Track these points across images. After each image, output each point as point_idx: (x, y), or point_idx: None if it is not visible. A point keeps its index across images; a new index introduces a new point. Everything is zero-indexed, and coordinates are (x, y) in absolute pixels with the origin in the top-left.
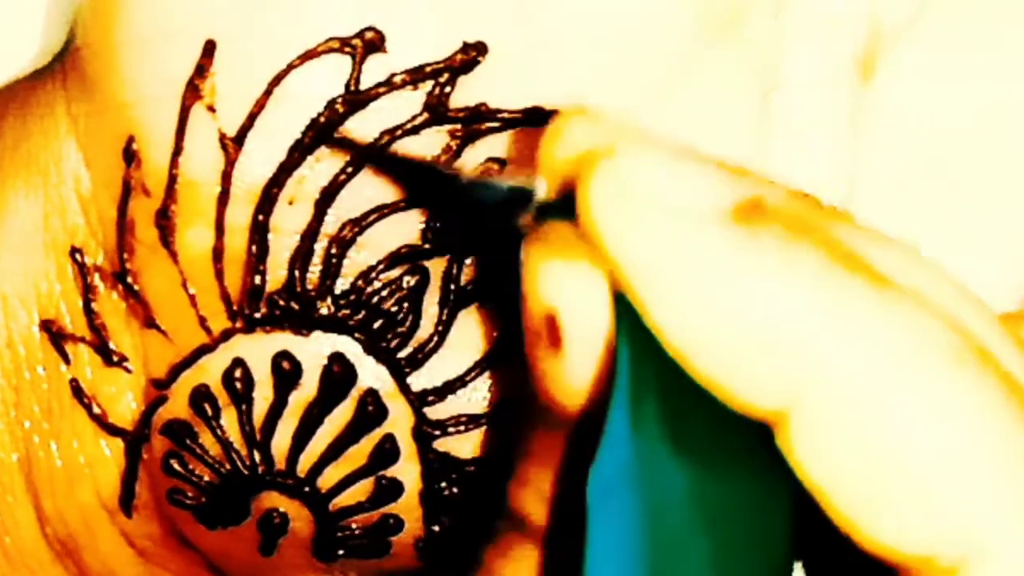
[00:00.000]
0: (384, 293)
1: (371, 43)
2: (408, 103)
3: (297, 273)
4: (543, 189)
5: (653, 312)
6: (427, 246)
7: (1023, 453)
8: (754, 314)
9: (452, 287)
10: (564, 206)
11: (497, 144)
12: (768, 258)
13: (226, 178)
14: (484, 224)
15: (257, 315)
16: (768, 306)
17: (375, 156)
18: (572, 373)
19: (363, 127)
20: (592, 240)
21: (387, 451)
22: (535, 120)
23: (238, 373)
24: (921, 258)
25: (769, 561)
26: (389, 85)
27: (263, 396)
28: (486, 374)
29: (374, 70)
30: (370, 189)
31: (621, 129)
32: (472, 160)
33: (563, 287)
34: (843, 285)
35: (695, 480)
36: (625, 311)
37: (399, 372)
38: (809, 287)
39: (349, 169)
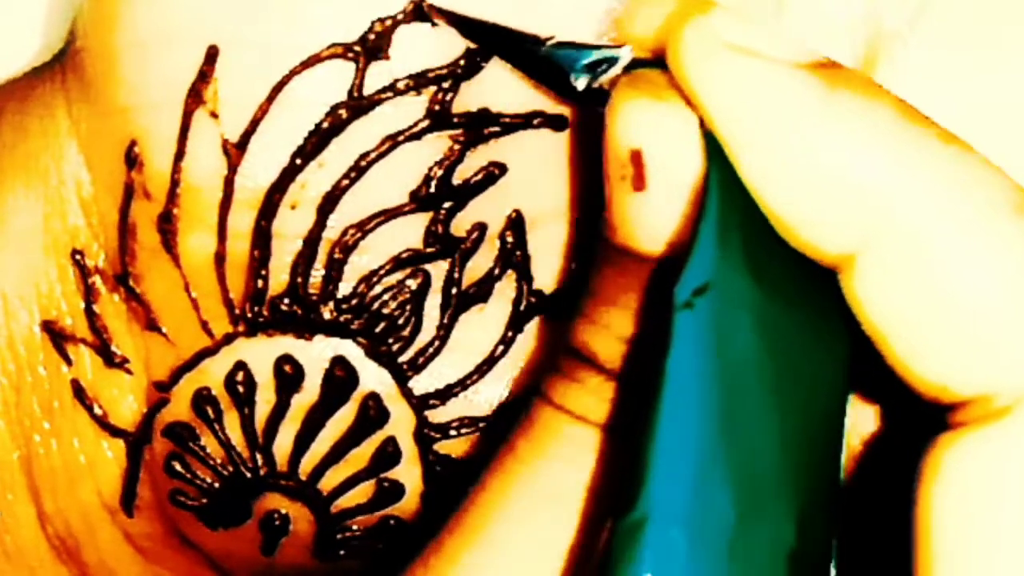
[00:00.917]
0: (386, 297)
1: (373, 49)
2: (411, 108)
3: (299, 277)
4: (629, 52)
5: (739, 151)
6: (429, 250)
7: None
8: (831, 159)
9: (454, 291)
10: (653, 66)
11: (499, 148)
12: (848, 107)
13: (228, 183)
14: (569, 86)
15: (259, 319)
16: (845, 153)
17: (458, 19)
18: (653, 212)
19: (366, 133)
20: (683, 84)
21: (388, 454)
22: (537, 124)
23: (240, 376)
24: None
25: (824, 394)
26: (392, 91)
27: (265, 399)
28: (487, 377)
29: (377, 76)
30: (372, 194)
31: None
32: (475, 165)
33: (652, 125)
34: (915, 138)
35: (768, 312)
36: (714, 151)
37: (401, 375)
38: (884, 137)
39: (352, 174)
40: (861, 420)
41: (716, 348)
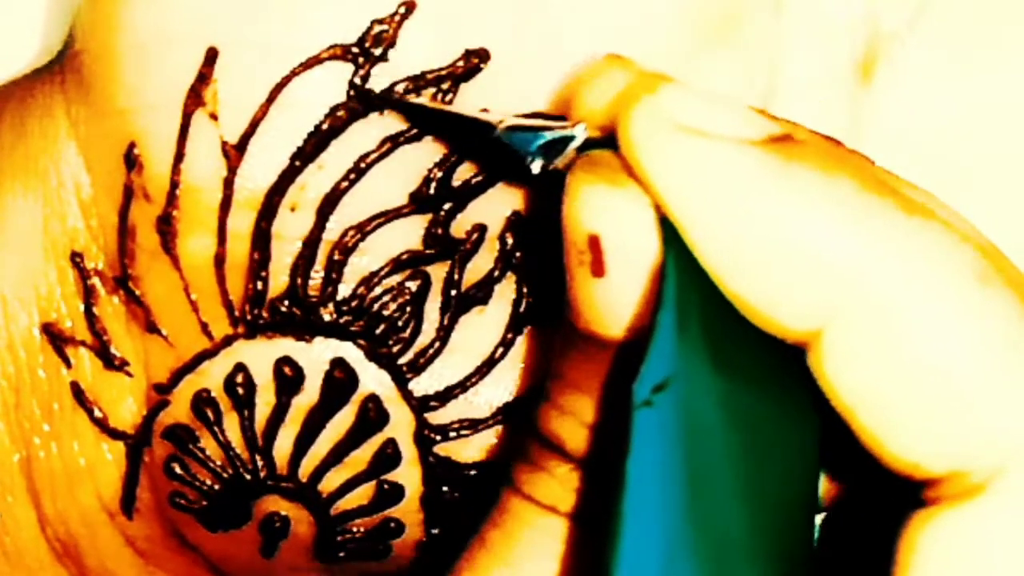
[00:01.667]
0: (386, 299)
1: (373, 50)
2: None
3: (299, 279)
4: (582, 132)
5: (694, 234)
6: (429, 251)
7: None
8: (789, 235)
9: (453, 292)
10: (604, 146)
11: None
12: (804, 181)
13: (228, 185)
14: (524, 170)
15: (259, 321)
16: (803, 228)
17: (408, 107)
18: (614, 297)
19: (365, 134)
20: (634, 168)
21: (388, 456)
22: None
23: (240, 378)
24: (935, 198)
25: (797, 482)
26: (391, 92)
27: (265, 401)
28: (487, 379)
29: (376, 77)
30: (372, 195)
31: (657, 73)
32: (474, 166)
33: (608, 210)
34: (876, 209)
35: (732, 398)
36: (670, 234)
37: (400, 377)
38: (844, 210)
39: (352, 175)
40: (833, 494)
41: (679, 441)
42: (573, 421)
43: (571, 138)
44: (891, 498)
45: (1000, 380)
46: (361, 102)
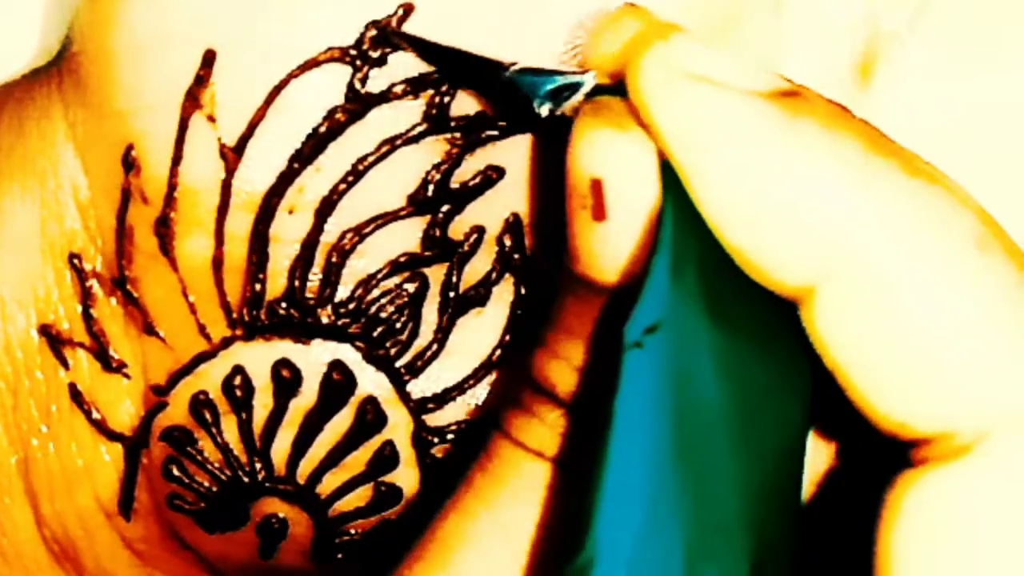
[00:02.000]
0: (384, 301)
1: (371, 52)
2: (408, 112)
3: (297, 281)
4: (592, 79)
5: (697, 183)
6: (427, 254)
7: None
8: (791, 191)
9: (451, 294)
10: (614, 93)
11: (496, 152)
12: (810, 137)
13: (226, 187)
14: (531, 113)
15: (257, 323)
16: (805, 183)
17: (421, 44)
18: (613, 242)
19: (363, 137)
20: (641, 113)
21: (386, 457)
22: (534, 127)
23: (238, 380)
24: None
25: (786, 435)
26: (389, 94)
27: (263, 403)
28: (485, 381)
29: (374, 79)
30: (370, 198)
31: (671, 23)
32: (472, 169)
33: (612, 154)
34: (879, 170)
35: (724, 348)
36: (672, 182)
37: (398, 379)
38: (847, 168)
39: (350, 178)
40: (822, 455)
41: (668, 387)
42: (566, 366)
43: (580, 84)
44: (881, 460)
45: (990, 344)
46: (377, 42)
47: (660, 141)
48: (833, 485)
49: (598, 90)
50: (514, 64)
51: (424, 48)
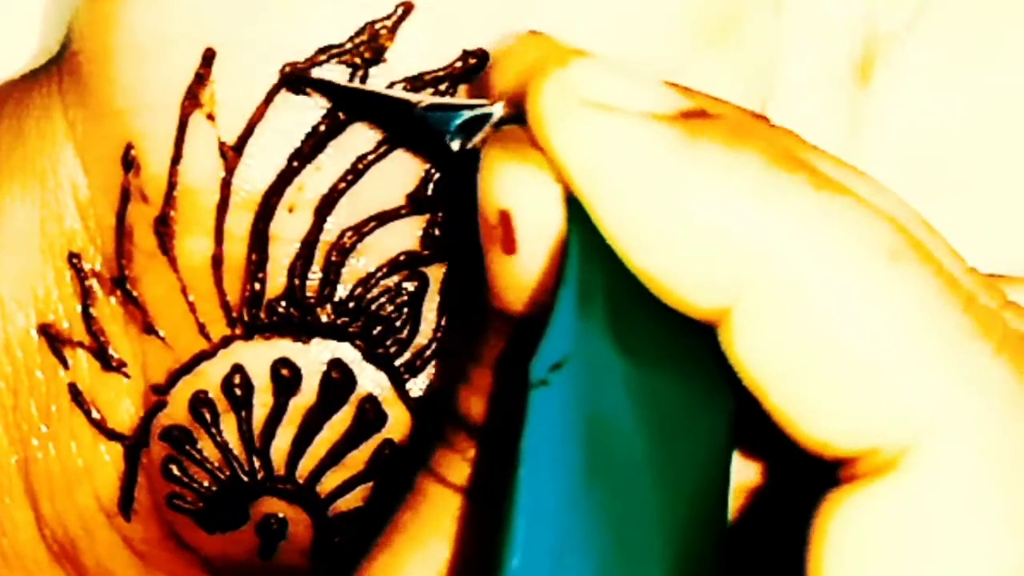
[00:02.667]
0: (383, 300)
1: (371, 51)
2: None
3: (297, 280)
4: (499, 109)
5: (599, 211)
6: (426, 252)
7: (958, 341)
8: (695, 211)
9: (451, 293)
10: (519, 121)
11: None
12: (708, 159)
13: (225, 186)
14: (444, 148)
15: (257, 322)
16: (709, 203)
17: (329, 87)
18: (525, 275)
19: (363, 135)
20: (541, 142)
21: (386, 456)
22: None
23: (237, 379)
24: (863, 174)
25: (708, 465)
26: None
27: (262, 402)
28: None
29: (374, 78)
30: (370, 196)
31: (573, 47)
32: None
33: (517, 186)
34: (783, 184)
35: (638, 378)
36: (577, 211)
37: (398, 378)
38: (750, 185)
39: (349, 177)
40: (750, 475)
41: (578, 423)
42: (484, 397)
43: (489, 116)
44: (809, 478)
45: (907, 356)
46: (288, 85)
47: (561, 170)
48: (762, 505)
49: (506, 120)
50: (422, 100)
51: (333, 91)
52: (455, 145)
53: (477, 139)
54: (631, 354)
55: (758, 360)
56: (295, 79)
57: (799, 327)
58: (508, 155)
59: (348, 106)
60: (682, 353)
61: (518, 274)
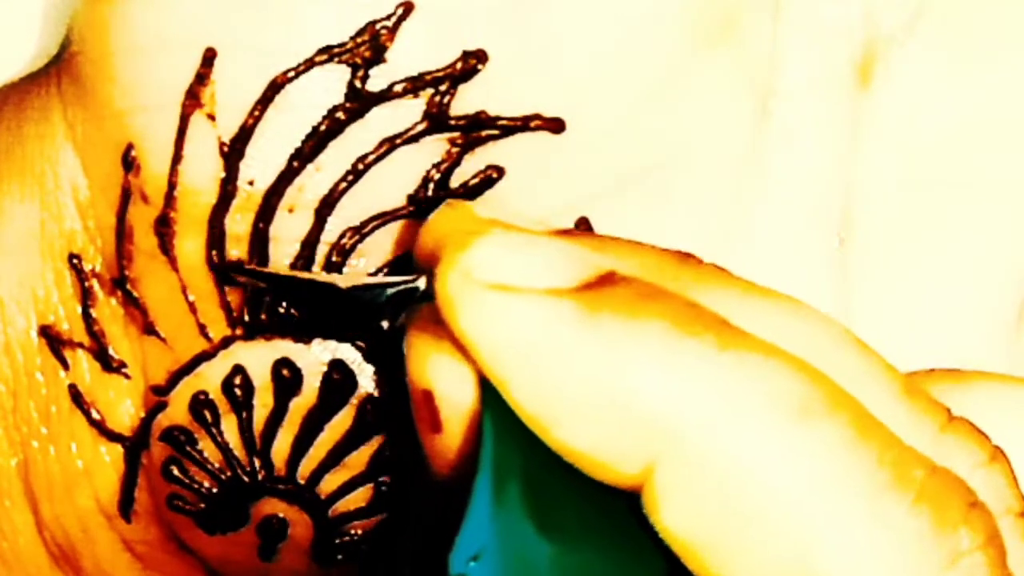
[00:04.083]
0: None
1: (371, 51)
2: (408, 111)
3: None
4: (423, 283)
5: (508, 391)
6: None
7: (873, 495)
8: (599, 387)
9: None
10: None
11: (496, 151)
12: (610, 331)
13: (226, 186)
14: (375, 327)
15: (257, 323)
16: (612, 375)
17: (258, 275)
18: (450, 451)
19: (363, 136)
20: (450, 326)
21: (387, 458)
22: (534, 127)
23: (238, 380)
24: (802, 310)
25: None
26: (389, 93)
27: (263, 403)
28: None
29: (374, 78)
30: (370, 197)
31: (482, 218)
32: (472, 168)
33: (435, 369)
34: (686, 350)
35: (563, 557)
36: (491, 391)
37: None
38: (650, 356)
39: (350, 177)
40: None
41: None
42: None
43: (415, 290)
44: None
45: (824, 519)
46: (220, 276)
47: (472, 355)
48: None
49: (428, 295)
50: (349, 279)
51: (260, 278)
52: (384, 323)
53: (404, 316)
54: (554, 532)
55: (680, 525)
56: (228, 269)
57: (716, 495)
58: (426, 337)
59: (277, 292)
60: (608, 523)
61: (445, 451)
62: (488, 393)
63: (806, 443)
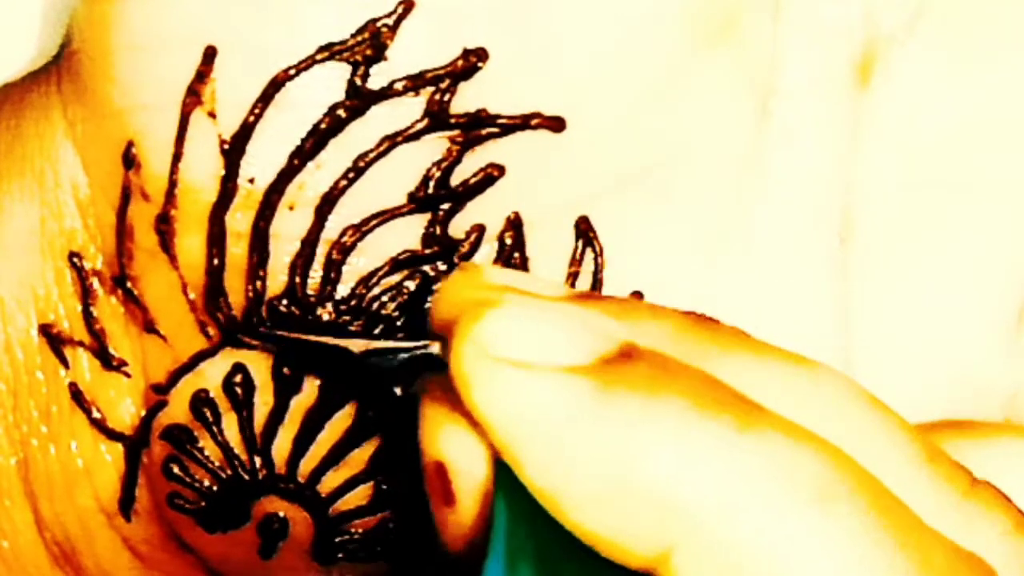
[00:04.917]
0: (385, 298)
1: (371, 49)
2: (409, 109)
3: (298, 279)
4: (437, 349)
5: (523, 470)
6: (428, 251)
7: None
8: (618, 467)
9: None
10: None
11: (497, 150)
12: (626, 409)
13: (226, 184)
14: (388, 392)
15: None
16: (628, 460)
17: (270, 338)
18: (462, 526)
19: (364, 133)
20: (464, 401)
21: (387, 456)
22: (535, 125)
23: (238, 378)
24: (820, 374)
25: None
26: (390, 91)
27: (263, 401)
28: None
29: (375, 76)
30: (370, 195)
31: (496, 284)
32: (473, 166)
33: (449, 442)
34: (704, 430)
35: None
36: (503, 468)
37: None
38: (667, 437)
39: (350, 175)
40: None
41: None
42: None
43: (429, 356)
44: None
45: None
46: (228, 339)
47: (485, 431)
48: None
49: (443, 362)
50: (364, 345)
51: (273, 341)
52: (397, 390)
53: (417, 384)
54: None
55: None
56: (239, 332)
57: (734, 574)
58: (440, 408)
59: (290, 360)
60: None
61: (457, 525)
62: (501, 470)
63: (826, 529)
